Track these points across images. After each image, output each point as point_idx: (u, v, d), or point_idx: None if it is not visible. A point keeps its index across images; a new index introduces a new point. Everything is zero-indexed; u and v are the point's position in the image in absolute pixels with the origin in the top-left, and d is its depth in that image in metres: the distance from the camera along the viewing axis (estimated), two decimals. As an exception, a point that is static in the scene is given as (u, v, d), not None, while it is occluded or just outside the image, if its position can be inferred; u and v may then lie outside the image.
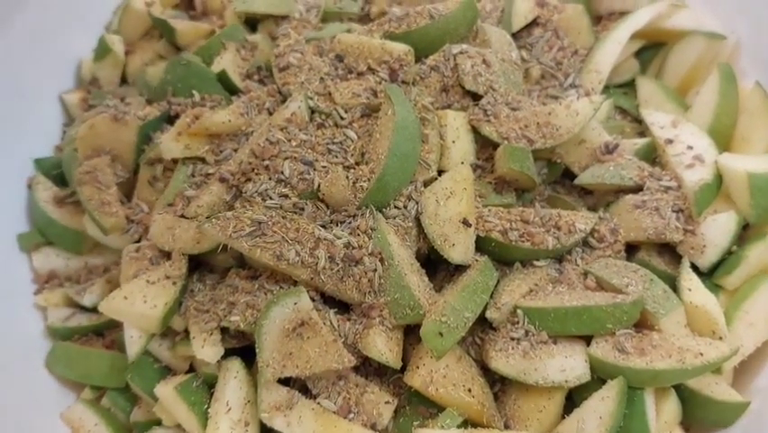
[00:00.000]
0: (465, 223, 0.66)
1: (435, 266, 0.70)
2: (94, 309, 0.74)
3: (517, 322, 0.65)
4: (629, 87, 0.88)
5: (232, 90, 0.79)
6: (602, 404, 0.62)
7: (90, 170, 0.75)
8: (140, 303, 0.66)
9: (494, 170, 0.74)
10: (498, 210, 0.70)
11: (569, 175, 0.78)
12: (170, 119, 0.79)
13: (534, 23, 0.87)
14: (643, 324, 0.66)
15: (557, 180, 0.79)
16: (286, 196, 0.68)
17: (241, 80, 0.80)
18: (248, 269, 0.69)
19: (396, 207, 0.69)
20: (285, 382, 0.64)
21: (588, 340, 0.65)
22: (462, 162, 0.71)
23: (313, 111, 0.73)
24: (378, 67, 0.76)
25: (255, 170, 0.69)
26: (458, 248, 0.66)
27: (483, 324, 0.66)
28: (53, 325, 0.76)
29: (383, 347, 0.63)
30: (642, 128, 0.82)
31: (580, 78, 0.84)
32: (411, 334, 0.66)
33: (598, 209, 0.75)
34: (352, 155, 0.70)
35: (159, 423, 0.69)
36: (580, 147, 0.76)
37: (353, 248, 0.65)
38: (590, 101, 0.75)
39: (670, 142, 0.76)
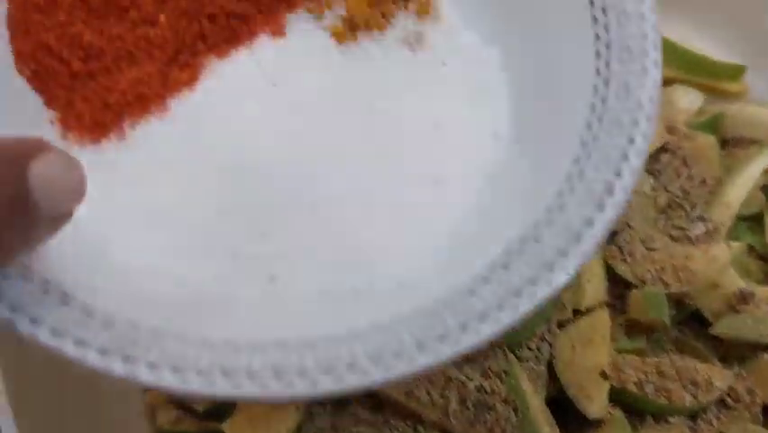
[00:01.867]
0: (603, 375, 0.64)
1: (562, 414, 0.68)
2: (205, 415, 0.73)
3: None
4: (754, 220, 0.84)
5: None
6: None
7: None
8: (263, 429, 0.64)
9: (625, 311, 0.71)
10: (634, 359, 0.68)
11: (697, 316, 0.75)
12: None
13: (662, 149, 0.85)
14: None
15: (684, 321, 0.76)
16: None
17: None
18: (372, 397, 0.67)
19: (529, 348, 0.66)
20: None
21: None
22: (600, 305, 0.69)
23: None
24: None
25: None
26: (595, 401, 0.64)
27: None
28: (162, 427, 0.74)
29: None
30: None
31: (708, 211, 0.81)
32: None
33: (729, 360, 0.72)
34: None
35: None
36: (713, 291, 0.73)
37: (486, 393, 0.63)
38: (729, 246, 0.72)
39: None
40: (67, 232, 0.44)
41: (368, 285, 0.47)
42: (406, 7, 0.57)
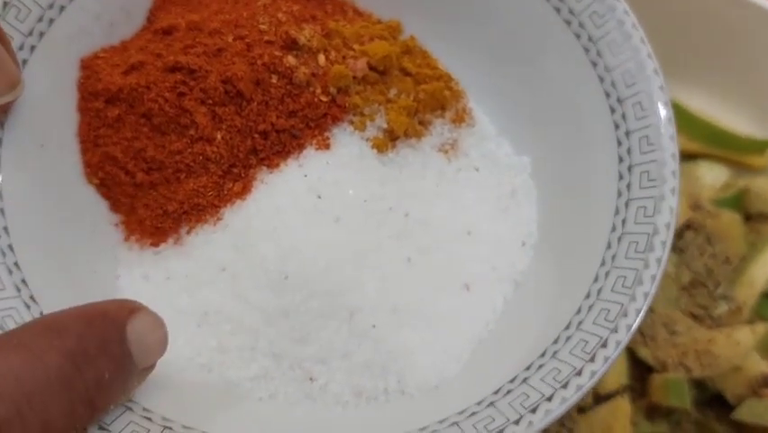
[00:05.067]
0: (624, 461, 0.65)
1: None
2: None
3: None
4: None
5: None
6: None
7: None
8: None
9: (647, 394, 0.72)
10: (653, 444, 0.69)
11: (719, 398, 0.76)
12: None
13: (686, 226, 0.86)
14: None
15: (706, 402, 0.77)
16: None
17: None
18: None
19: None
20: None
21: None
22: (621, 391, 0.70)
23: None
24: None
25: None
26: (616, 488, 0.65)
27: None
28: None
29: None
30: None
31: (731, 289, 0.82)
32: None
33: None
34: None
35: None
36: (736, 375, 0.73)
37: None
38: (752, 331, 0.73)
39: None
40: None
41: (398, 389, 0.50)
42: (443, 116, 0.60)
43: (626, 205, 0.49)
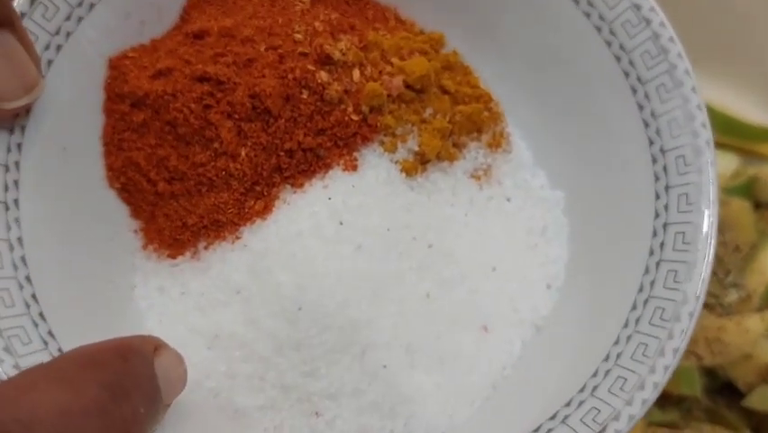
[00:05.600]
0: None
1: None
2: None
3: None
4: None
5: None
6: None
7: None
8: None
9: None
10: (666, 432, 0.67)
11: (729, 385, 0.73)
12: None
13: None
14: None
15: (717, 390, 0.74)
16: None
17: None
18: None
19: None
20: None
21: None
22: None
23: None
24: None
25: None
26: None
27: None
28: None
29: None
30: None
31: (742, 278, 0.79)
32: None
33: (762, 431, 0.70)
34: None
35: None
36: (747, 362, 0.71)
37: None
38: (762, 319, 0.70)
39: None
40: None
41: (405, 431, 0.48)
42: (479, 138, 0.57)
43: (657, 265, 0.47)
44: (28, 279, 0.45)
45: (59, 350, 0.44)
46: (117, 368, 0.35)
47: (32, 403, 0.31)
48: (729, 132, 0.81)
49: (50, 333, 0.44)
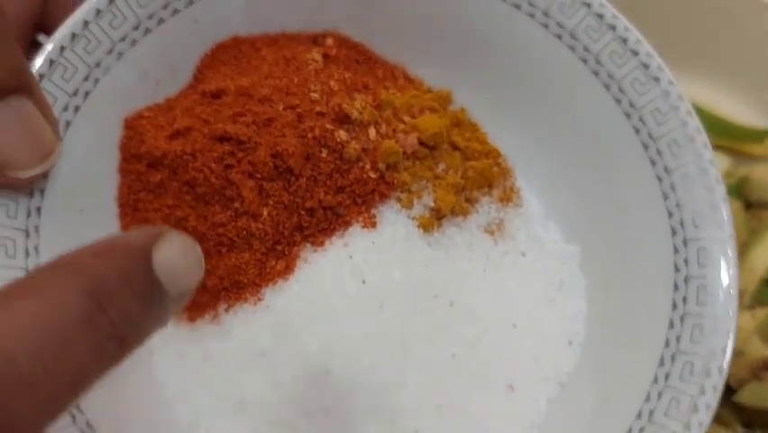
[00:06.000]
0: None
1: None
2: None
3: None
4: None
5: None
6: None
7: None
8: None
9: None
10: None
11: None
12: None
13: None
14: None
15: None
16: None
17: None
18: None
19: None
20: None
21: None
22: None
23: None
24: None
25: None
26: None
27: None
28: None
29: None
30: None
31: None
32: None
33: (753, 426, 0.71)
34: None
35: None
36: (737, 359, 0.71)
37: None
38: (753, 316, 0.72)
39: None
40: (159, 411, 0.45)
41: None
42: (490, 193, 0.58)
43: (682, 320, 0.47)
44: None
45: (88, 424, 0.42)
46: (99, 269, 0.31)
47: (4, 325, 0.28)
48: (719, 133, 0.82)
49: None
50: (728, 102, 0.83)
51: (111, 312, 0.30)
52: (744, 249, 0.81)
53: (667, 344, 0.47)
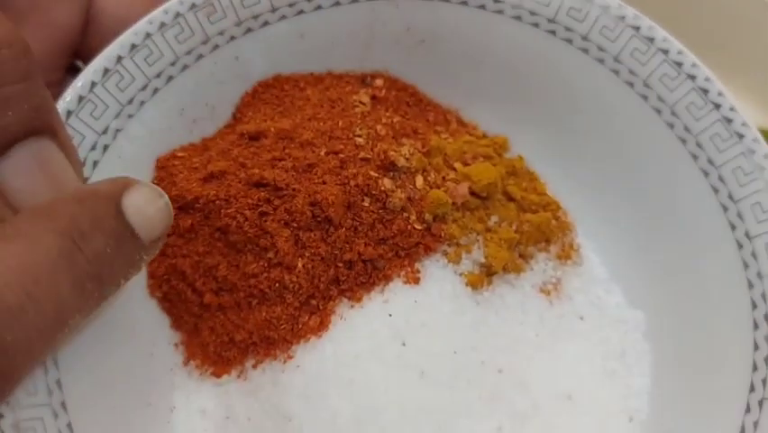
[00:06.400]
0: None
1: None
2: None
3: None
4: None
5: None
6: None
7: None
8: None
9: None
10: None
11: None
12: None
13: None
14: None
15: None
16: None
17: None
18: None
19: None
20: None
21: None
22: None
23: None
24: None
25: None
26: None
27: None
28: None
29: None
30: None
31: None
32: None
33: None
34: None
35: None
36: None
37: None
38: None
39: None
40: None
41: None
42: (547, 249, 0.53)
43: (760, 405, 0.41)
44: (63, 405, 0.40)
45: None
46: (72, 212, 0.33)
47: None
48: None
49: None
50: (742, 104, 0.78)
51: (86, 251, 0.33)
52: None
53: (743, 430, 0.41)
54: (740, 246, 0.45)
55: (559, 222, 0.53)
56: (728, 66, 0.75)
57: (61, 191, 0.38)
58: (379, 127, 0.50)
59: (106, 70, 0.44)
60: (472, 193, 0.50)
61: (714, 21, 0.76)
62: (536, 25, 0.49)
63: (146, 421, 0.44)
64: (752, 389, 0.42)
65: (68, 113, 0.43)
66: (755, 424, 0.41)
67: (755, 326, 0.43)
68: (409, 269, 0.48)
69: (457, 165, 0.51)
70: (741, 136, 0.45)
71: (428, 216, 0.48)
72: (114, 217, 0.35)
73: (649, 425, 0.46)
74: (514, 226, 0.51)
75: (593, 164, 0.52)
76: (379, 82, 0.53)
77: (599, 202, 0.52)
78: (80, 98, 0.43)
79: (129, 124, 0.46)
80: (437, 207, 0.48)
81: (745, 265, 0.44)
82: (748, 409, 0.42)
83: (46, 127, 0.37)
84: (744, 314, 0.44)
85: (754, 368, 0.42)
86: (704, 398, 0.44)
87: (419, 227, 0.48)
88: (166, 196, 0.38)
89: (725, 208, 0.45)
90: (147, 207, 0.36)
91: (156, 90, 0.46)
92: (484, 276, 0.49)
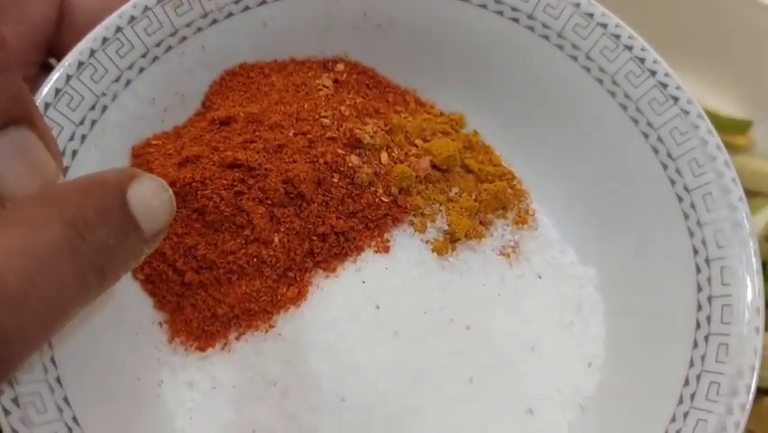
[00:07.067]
0: None
1: None
2: None
3: None
4: None
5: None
6: None
7: None
8: None
9: None
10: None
11: None
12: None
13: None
14: None
15: None
16: None
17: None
18: None
19: None
20: None
21: None
22: None
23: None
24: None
25: None
26: None
27: None
28: None
29: None
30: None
31: None
32: None
33: None
34: None
35: None
36: None
37: None
38: None
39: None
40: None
41: None
42: (504, 216, 0.56)
43: (706, 339, 0.45)
44: (58, 380, 0.42)
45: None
46: (79, 201, 0.33)
47: None
48: None
49: (84, 437, 0.41)
50: (712, 94, 0.80)
51: (90, 241, 0.32)
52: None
53: (692, 364, 0.45)
54: (680, 199, 0.48)
55: (514, 190, 0.56)
56: (710, 59, 0.79)
57: (42, 180, 0.40)
58: (343, 108, 0.52)
59: (81, 63, 0.46)
60: (434, 166, 0.53)
61: (695, 14, 0.79)
62: (484, 6, 0.52)
63: (136, 394, 0.46)
64: (698, 326, 0.46)
65: (46, 105, 0.45)
66: (702, 357, 0.45)
67: (698, 270, 0.47)
68: (379, 239, 0.50)
69: (418, 141, 0.54)
70: (676, 99, 0.49)
71: (394, 190, 0.51)
72: (119, 209, 0.34)
73: (606, 368, 0.50)
74: (473, 196, 0.54)
75: (543, 135, 0.56)
76: (340, 66, 0.56)
77: (551, 170, 0.56)
78: (57, 91, 0.45)
79: (105, 114, 0.48)
80: (402, 181, 0.51)
81: (686, 216, 0.48)
82: (695, 345, 0.45)
83: (25, 117, 0.38)
84: (686, 260, 0.48)
85: (699, 308, 0.46)
86: (654, 339, 0.48)
87: (386, 200, 0.51)
88: (170, 189, 0.37)
89: (665, 166, 0.49)
90: (151, 200, 0.36)
91: (129, 81, 0.48)
92: (448, 242, 0.52)
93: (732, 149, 0.78)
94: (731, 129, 0.81)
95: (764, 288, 0.75)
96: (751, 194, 0.77)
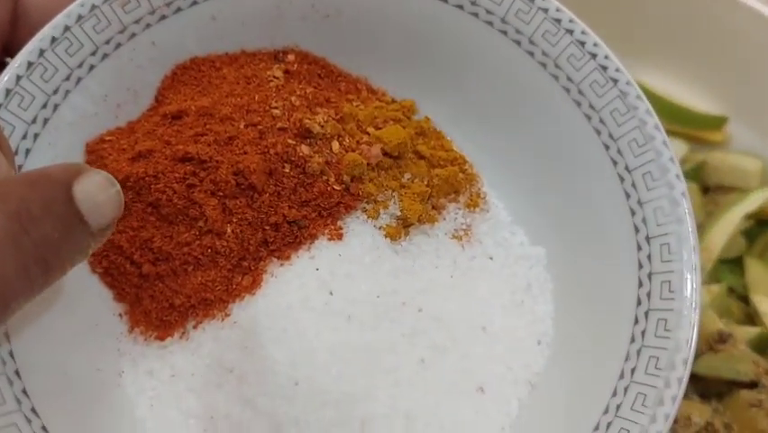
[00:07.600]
0: None
1: None
2: None
3: None
4: (734, 263, 0.81)
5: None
6: None
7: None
8: None
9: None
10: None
11: None
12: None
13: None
14: None
15: None
16: None
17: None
18: None
19: None
20: None
21: None
22: None
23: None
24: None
25: None
26: None
27: None
28: None
29: None
30: (749, 309, 0.76)
31: None
32: None
33: (707, 396, 0.70)
34: None
35: None
36: None
37: None
38: (708, 291, 0.72)
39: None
40: (129, 431, 0.45)
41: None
42: (456, 200, 0.57)
43: (646, 315, 0.47)
44: (17, 373, 0.43)
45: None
46: (23, 195, 0.33)
47: None
48: (678, 119, 0.83)
49: (44, 428, 0.42)
50: (688, 90, 0.83)
51: (33, 235, 0.32)
52: (701, 230, 0.80)
53: (633, 339, 0.46)
54: (622, 179, 0.50)
55: (466, 174, 0.57)
56: (685, 55, 0.80)
57: None
58: (293, 99, 0.53)
59: (30, 64, 0.46)
60: (385, 154, 0.54)
61: (670, 11, 0.80)
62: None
63: (97, 384, 0.47)
64: (638, 303, 0.47)
65: (-3, 106, 0.45)
66: (643, 333, 0.46)
67: (639, 247, 0.48)
68: (332, 227, 0.51)
69: (369, 129, 0.55)
70: (615, 81, 0.50)
71: (346, 178, 0.52)
72: (64, 203, 0.34)
73: (555, 346, 0.51)
74: (425, 181, 0.55)
75: (492, 120, 0.57)
76: (290, 57, 0.56)
77: (500, 154, 0.57)
78: (7, 91, 0.46)
79: (56, 113, 0.48)
80: (354, 169, 0.52)
81: (627, 195, 0.49)
82: (636, 321, 0.47)
83: None
84: (628, 238, 0.49)
85: (639, 285, 0.47)
86: (599, 316, 0.49)
87: (338, 188, 0.52)
88: (118, 185, 0.37)
89: (606, 147, 0.50)
90: (98, 195, 0.36)
91: (79, 79, 0.49)
92: (401, 228, 0.53)
93: (708, 144, 0.80)
94: (708, 125, 0.83)
95: (737, 279, 0.78)
96: (727, 189, 0.79)
